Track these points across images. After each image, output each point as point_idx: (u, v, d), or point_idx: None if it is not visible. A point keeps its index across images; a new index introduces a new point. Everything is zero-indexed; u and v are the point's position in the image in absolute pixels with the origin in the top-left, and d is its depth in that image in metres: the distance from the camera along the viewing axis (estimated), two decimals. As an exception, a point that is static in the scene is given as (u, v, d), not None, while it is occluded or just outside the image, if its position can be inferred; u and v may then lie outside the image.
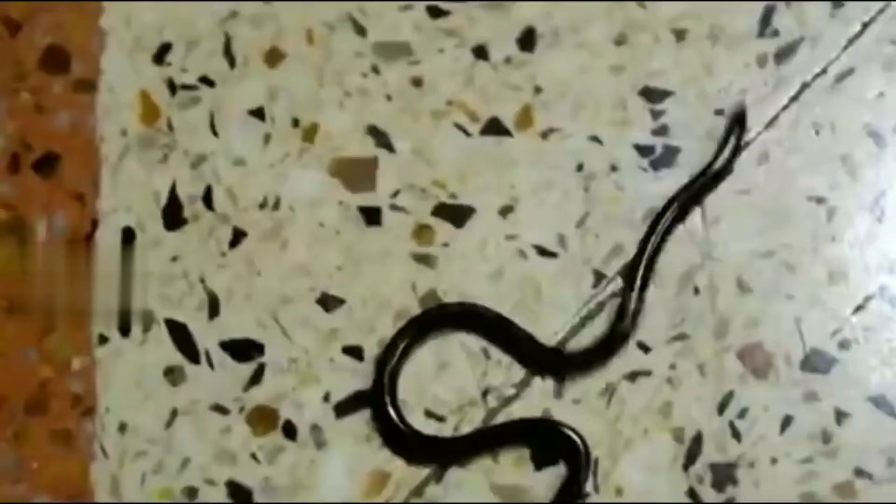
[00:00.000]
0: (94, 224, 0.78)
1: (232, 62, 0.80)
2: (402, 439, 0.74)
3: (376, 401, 0.74)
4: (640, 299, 0.75)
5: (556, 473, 0.73)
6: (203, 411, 0.75)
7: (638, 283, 0.75)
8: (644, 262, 0.75)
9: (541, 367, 0.75)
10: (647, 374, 0.74)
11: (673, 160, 0.77)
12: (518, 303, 0.76)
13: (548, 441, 0.73)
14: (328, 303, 0.77)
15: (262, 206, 0.78)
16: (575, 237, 0.77)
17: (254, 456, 0.74)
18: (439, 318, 0.76)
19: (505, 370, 0.75)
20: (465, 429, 0.74)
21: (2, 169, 0.79)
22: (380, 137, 0.79)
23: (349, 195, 0.78)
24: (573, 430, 0.73)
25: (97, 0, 0.80)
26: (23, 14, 0.80)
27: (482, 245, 0.77)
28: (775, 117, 0.78)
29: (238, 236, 0.78)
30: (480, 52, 0.79)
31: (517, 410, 0.74)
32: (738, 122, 0.76)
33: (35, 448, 0.75)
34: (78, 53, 0.80)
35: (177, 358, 0.76)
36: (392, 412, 0.73)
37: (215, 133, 0.79)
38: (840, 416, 0.73)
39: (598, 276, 0.76)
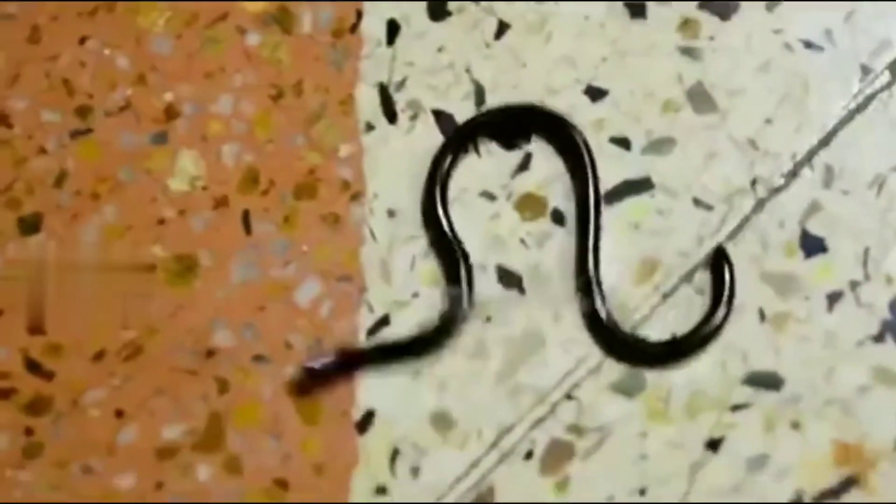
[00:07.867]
0: (359, 15, 0.79)
1: None
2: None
3: None
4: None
5: (822, 260, 0.73)
6: (471, 198, 0.75)
7: None
8: None
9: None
10: (919, 165, 0.74)
11: (941, -43, 0.77)
12: (785, 96, 0.76)
13: None
14: (594, 94, 0.77)
15: (527, -2, 0.78)
16: (842, 32, 0.77)
17: (523, 241, 0.75)
18: None
19: (773, 160, 0.75)
20: (734, 218, 0.74)
21: (267, -40, 0.80)
22: (644, -68, 0.78)
23: (613, -12, 0.78)
24: None
25: None
26: None
27: (748, 38, 0.77)
28: None
29: (503, 28, 0.78)
30: None
31: (785, 200, 0.74)
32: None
33: (305, 231, 0.75)
34: None
35: (444, 146, 0.77)
36: None
37: (477, -74, 0.79)
38: None
39: (866, 71, 0.76)
